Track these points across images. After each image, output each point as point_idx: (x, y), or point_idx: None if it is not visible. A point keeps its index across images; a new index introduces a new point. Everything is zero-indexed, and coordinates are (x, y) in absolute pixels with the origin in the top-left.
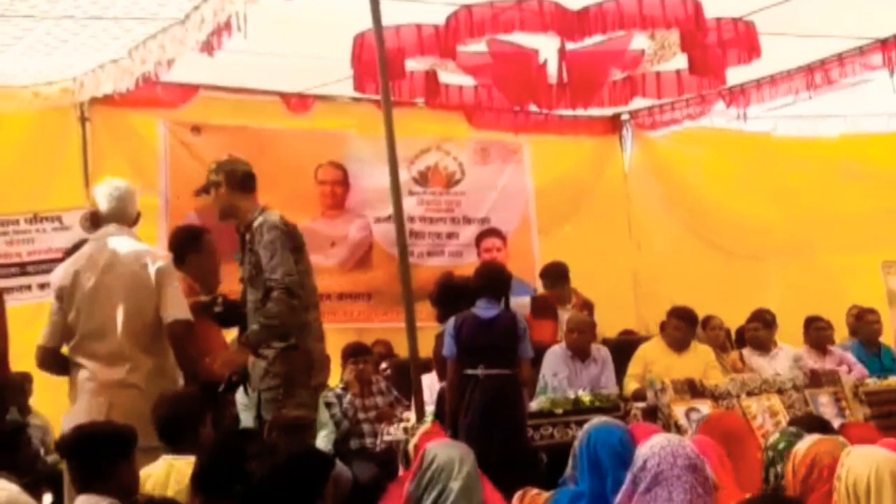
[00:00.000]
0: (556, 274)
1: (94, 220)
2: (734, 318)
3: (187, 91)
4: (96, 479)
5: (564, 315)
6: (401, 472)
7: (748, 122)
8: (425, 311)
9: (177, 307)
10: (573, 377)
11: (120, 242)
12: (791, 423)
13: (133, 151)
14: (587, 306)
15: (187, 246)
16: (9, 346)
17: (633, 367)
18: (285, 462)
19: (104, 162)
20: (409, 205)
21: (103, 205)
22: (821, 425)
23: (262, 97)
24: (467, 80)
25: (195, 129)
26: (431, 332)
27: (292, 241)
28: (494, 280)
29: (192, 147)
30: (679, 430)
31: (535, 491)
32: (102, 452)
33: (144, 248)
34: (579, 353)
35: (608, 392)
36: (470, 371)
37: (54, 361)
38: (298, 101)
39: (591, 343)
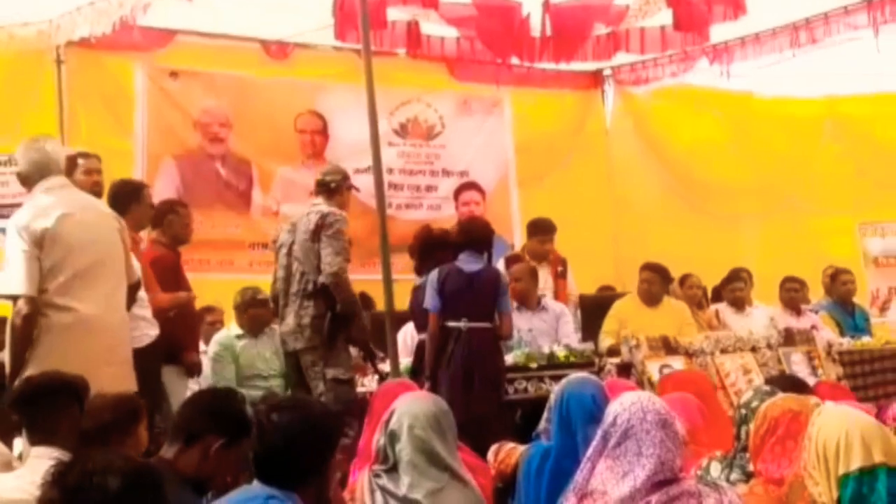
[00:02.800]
0: (545, 228)
1: (24, 180)
2: (711, 277)
3: (165, 36)
4: (48, 430)
5: (541, 272)
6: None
7: (731, 81)
8: (402, 264)
9: (135, 268)
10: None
11: (80, 194)
12: (767, 381)
13: (109, 95)
14: (560, 262)
15: (129, 198)
16: None
17: (608, 324)
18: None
19: (79, 105)
20: (389, 156)
21: (29, 161)
22: (796, 385)
23: (241, 44)
24: (450, 32)
25: (173, 75)
26: (408, 284)
27: None
28: (478, 235)
29: (170, 92)
30: (652, 386)
31: (510, 445)
32: (53, 403)
33: (101, 202)
34: (523, 301)
35: (583, 348)
36: (452, 323)
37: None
38: (278, 49)
39: (533, 291)
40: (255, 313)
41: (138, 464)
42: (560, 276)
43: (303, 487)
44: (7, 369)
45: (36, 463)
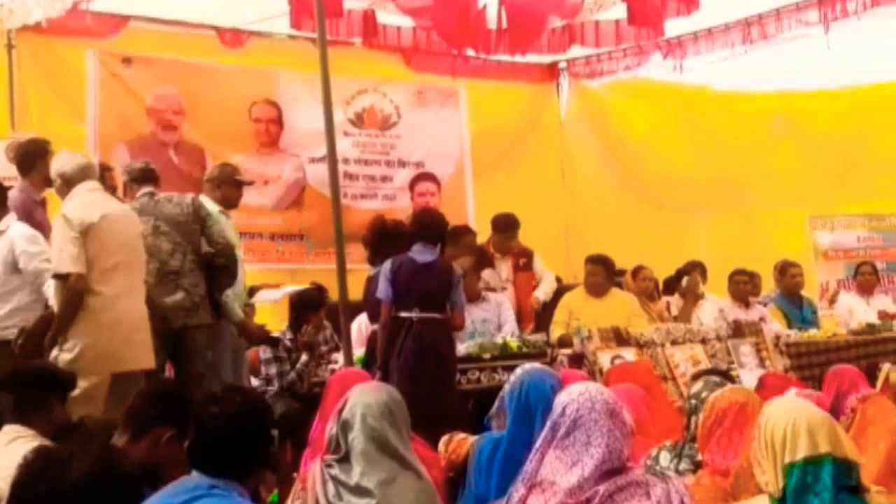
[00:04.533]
0: (508, 225)
1: (67, 180)
2: (663, 269)
3: (117, 21)
4: (28, 412)
5: (502, 265)
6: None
7: (684, 75)
8: (357, 254)
9: None
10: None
11: (113, 199)
12: (693, 376)
13: (61, 81)
14: (524, 255)
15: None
16: None
17: (558, 315)
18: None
19: (31, 91)
20: (344, 146)
21: (75, 164)
22: (721, 375)
23: (195, 30)
24: (406, 22)
25: (126, 61)
26: (362, 274)
27: None
28: (432, 225)
29: (123, 79)
30: (602, 376)
31: (461, 435)
32: (39, 389)
33: (129, 208)
34: (466, 295)
35: (536, 338)
36: (404, 314)
37: None
38: (233, 37)
39: (474, 285)
40: (231, 192)
41: (110, 453)
42: (522, 269)
43: (244, 476)
44: (51, 334)
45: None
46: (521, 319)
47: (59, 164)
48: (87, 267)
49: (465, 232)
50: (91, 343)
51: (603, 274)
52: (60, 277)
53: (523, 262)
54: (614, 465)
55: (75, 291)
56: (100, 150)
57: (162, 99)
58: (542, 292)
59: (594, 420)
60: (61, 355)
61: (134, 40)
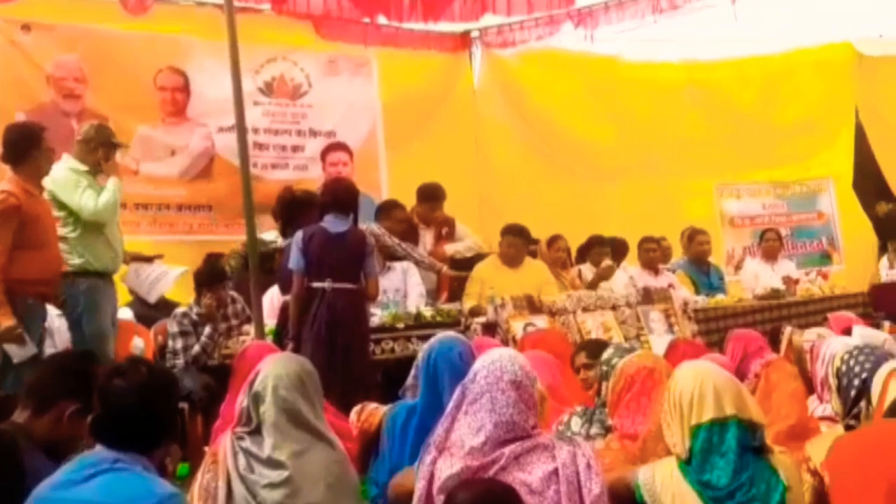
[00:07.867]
0: (435, 196)
1: None
2: (575, 237)
3: None
4: None
5: (426, 236)
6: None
7: (595, 45)
8: (267, 225)
9: None
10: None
11: None
12: (579, 347)
13: None
14: (447, 224)
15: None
16: None
17: (470, 287)
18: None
19: None
20: (254, 115)
21: None
22: (600, 346)
23: None
24: None
25: (25, 28)
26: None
27: None
28: (343, 196)
29: (22, 45)
30: (516, 343)
31: (372, 405)
32: None
33: None
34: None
35: (449, 307)
36: (317, 284)
37: None
38: (136, 3)
39: (379, 255)
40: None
41: None
42: (445, 238)
43: (150, 449)
44: None
45: None
46: (440, 288)
47: None
48: None
49: (395, 206)
50: None
51: (522, 245)
52: None
53: (446, 231)
54: (518, 434)
55: None
56: None
57: (63, 66)
58: (454, 248)
59: (501, 390)
60: None
61: (33, 6)
